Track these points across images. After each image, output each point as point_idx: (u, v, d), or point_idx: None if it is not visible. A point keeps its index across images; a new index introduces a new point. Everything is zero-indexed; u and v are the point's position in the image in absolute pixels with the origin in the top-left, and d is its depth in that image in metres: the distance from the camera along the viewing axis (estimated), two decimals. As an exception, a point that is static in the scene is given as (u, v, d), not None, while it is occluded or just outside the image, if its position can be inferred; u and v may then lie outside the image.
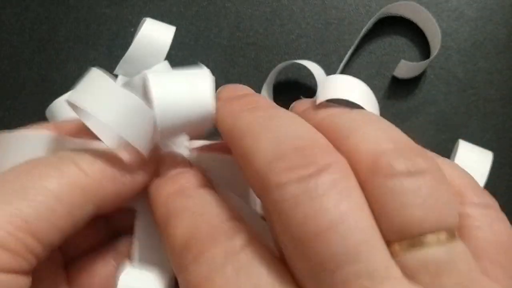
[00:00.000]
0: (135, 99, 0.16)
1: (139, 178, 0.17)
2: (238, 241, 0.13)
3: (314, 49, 0.34)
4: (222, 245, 0.13)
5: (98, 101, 0.16)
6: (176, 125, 0.18)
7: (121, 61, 0.29)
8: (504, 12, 0.34)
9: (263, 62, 0.34)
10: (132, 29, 0.34)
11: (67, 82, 0.33)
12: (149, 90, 0.18)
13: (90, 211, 0.16)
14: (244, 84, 0.33)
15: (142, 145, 0.17)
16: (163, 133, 0.18)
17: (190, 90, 0.19)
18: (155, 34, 0.30)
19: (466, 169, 0.29)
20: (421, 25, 0.34)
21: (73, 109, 0.17)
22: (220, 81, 0.33)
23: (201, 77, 0.20)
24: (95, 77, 0.17)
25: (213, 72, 0.34)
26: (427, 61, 0.32)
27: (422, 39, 0.34)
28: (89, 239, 0.19)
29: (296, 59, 0.34)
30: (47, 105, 0.29)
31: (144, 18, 0.31)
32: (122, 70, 0.29)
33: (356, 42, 0.33)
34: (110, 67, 0.34)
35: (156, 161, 0.18)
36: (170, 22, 0.33)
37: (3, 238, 0.14)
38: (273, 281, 0.12)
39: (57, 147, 0.18)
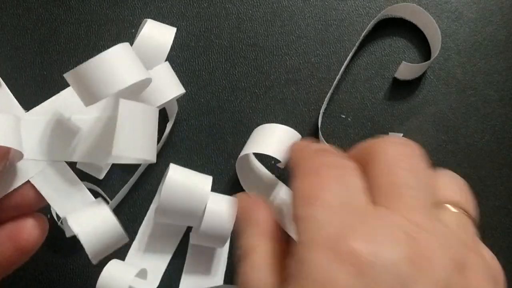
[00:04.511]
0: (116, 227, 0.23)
1: None
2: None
3: (314, 50, 0.34)
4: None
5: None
6: (171, 214, 0.28)
7: (122, 62, 0.29)
8: (504, 14, 0.34)
9: (263, 63, 0.34)
10: (133, 30, 0.34)
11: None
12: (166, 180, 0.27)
13: None
14: (243, 83, 0.34)
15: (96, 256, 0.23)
16: (157, 216, 0.28)
17: (193, 188, 0.28)
18: (156, 35, 0.30)
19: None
20: (421, 26, 0.34)
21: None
22: (221, 82, 0.34)
23: (205, 180, 0.28)
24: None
25: (214, 72, 0.35)
26: (428, 62, 0.32)
27: (422, 40, 0.34)
28: None
29: (296, 60, 0.34)
30: (49, 106, 0.29)
31: (145, 19, 0.31)
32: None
33: (357, 43, 0.33)
34: (111, 68, 0.34)
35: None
36: (171, 23, 0.33)
37: None
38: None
39: None
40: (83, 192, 0.23)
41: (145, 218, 0.32)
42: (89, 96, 0.20)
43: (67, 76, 0.21)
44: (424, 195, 0.22)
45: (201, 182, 0.28)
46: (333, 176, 0.22)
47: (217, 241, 0.28)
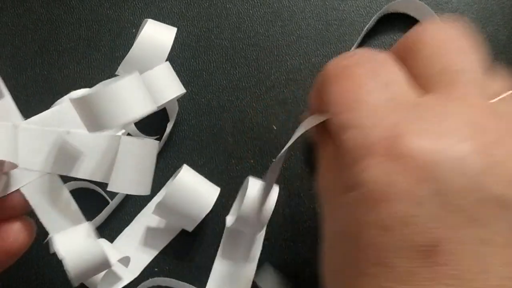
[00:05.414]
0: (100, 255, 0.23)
1: None
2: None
3: (314, 49, 0.34)
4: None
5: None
6: (170, 213, 0.28)
7: (123, 62, 0.29)
8: (504, 14, 0.34)
9: (264, 63, 0.34)
10: (134, 30, 0.34)
11: (69, 83, 0.33)
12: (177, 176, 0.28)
13: None
14: (244, 83, 0.34)
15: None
16: (156, 211, 0.28)
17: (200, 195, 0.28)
18: (157, 35, 0.30)
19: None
20: (423, 21, 0.34)
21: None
22: (221, 82, 0.34)
23: (212, 191, 0.28)
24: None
25: (215, 72, 0.34)
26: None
27: (422, 40, 0.34)
28: None
29: (296, 60, 0.34)
30: (50, 106, 0.29)
31: (145, 19, 0.31)
32: (123, 71, 0.29)
33: (358, 40, 0.33)
34: (111, 68, 0.34)
35: None
36: (171, 23, 0.33)
37: None
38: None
39: None
40: (74, 210, 0.23)
41: (145, 208, 0.31)
42: (94, 125, 0.20)
43: (73, 101, 0.21)
44: (481, 79, 0.19)
45: (208, 191, 0.27)
46: (366, 73, 0.19)
47: (254, 227, 0.28)
